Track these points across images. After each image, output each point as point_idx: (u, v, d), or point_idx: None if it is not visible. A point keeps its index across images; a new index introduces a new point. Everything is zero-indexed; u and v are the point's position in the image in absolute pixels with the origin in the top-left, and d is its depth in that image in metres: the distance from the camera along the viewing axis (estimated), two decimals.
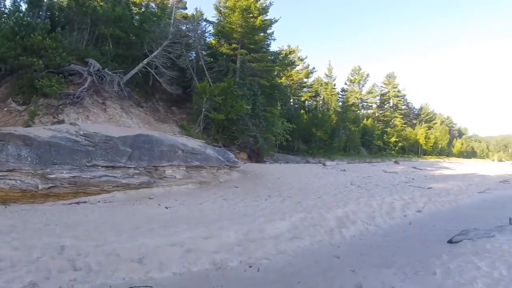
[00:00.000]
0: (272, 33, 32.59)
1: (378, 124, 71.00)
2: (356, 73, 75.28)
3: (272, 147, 31.78)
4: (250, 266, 6.33)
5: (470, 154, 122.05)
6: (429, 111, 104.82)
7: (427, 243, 7.91)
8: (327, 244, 7.87)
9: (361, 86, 76.23)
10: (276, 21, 31.49)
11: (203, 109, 22.76)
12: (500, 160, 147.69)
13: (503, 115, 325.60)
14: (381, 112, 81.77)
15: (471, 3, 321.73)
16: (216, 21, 31.06)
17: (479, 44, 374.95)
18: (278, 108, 35.29)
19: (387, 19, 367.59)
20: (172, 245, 6.53)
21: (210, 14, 39.60)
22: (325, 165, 27.07)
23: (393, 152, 64.34)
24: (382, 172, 25.16)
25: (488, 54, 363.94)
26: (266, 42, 32.87)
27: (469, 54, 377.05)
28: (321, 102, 59.54)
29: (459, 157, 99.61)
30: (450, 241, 7.72)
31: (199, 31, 28.48)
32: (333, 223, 9.15)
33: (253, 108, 26.26)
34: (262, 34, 31.55)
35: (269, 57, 33.07)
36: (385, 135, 66.01)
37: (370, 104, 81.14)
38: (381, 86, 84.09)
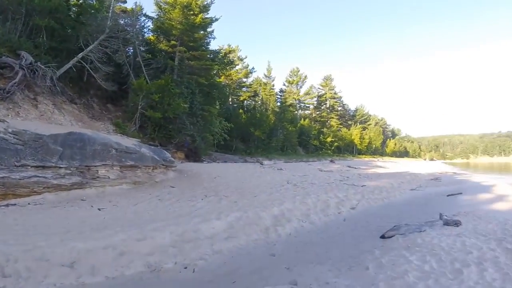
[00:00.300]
0: (212, 31, 32.69)
1: (315, 125, 73.67)
2: (295, 75, 77.43)
3: (210, 146, 31.85)
4: (185, 267, 6.28)
5: (403, 153, 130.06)
6: (364, 113, 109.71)
7: (360, 239, 8.10)
8: (263, 243, 7.91)
9: (299, 87, 78.67)
10: (216, 19, 31.63)
11: (139, 107, 22.54)
12: (432, 159, 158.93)
13: (435, 117, 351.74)
14: (318, 113, 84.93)
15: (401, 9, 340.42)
16: (155, 17, 30.59)
17: (414, 50, 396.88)
18: (217, 107, 35.32)
19: (326, 21, 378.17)
20: (104, 248, 6.33)
21: (150, 9, 39.19)
22: (262, 164, 27.65)
23: (329, 151, 67.00)
24: (318, 171, 25.88)
25: (421, 59, 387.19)
26: (205, 40, 32.84)
27: (403, 58, 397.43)
28: (259, 102, 60.53)
29: (392, 156, 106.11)
30: (382, 237, 7.95)
31: (137, 26, 28.11)
32: (269, 221, 9.20)
33: (190, 106, 26.24)
34: (202, 32, 31.50)
35: (208, 56, 33.04)
36: (321, 135, 68.58)
37: (307, 105, 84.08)
38: (319, 88, 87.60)
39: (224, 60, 40.15)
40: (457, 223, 8.68)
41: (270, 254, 7.11)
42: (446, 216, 9.39)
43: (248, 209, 9.89)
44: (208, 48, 33.86)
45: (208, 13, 31.33)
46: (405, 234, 7.80)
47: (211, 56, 34.20)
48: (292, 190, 14.70)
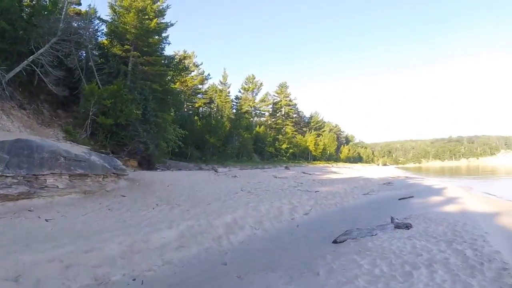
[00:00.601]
0: (167, 36, 32.63)
1: (270, 132, 74.44)
2: (250, 82, 78.13)
3: (164, 154, 31.46)
4: (134, 279, 6.15)
5: (356, 159, 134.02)
6: (318, 120, 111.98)
7: (313, 245, 8.24)
8: (215, 252, 7.84)
9: (254, 94, 79.58)
10: (172, 24, 31.75)
11: (91, 113, 22.04)
12: (385, 164, 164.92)
13: (387, 124, 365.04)
14: (273, 120, 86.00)
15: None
16: (110, 20, 30.07)
17: (367, 59, 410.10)
18: (171, 114, 35.08)
19: (283, 28, 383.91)
20: (50, 260, 6.11)
21: (105, 12, 38.35)
22: (217, 172, 27.68)
23: (284, 158, 67.82)
24: (273, 178, 26.16)
25: (373, 68, 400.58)
26: (160, 46, 32.70)
27: (358, 67, 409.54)
28: (215, 109, 60.60)
29: (346, 162, 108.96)
30: (334, 241, 8.14)
31: (91, 29, 27.47)
32: (221, 229, 9.20)
33: (144, 113, 25.95)
34: (157, 37, 31.42)
35: (163, 61, 32.97)
36: (277, 142, 69.28)
37: (263, 112, 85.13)
38: (274, 95, 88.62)
39: (179, 66, 40.03)
40: (408, 226, 9.09)
41: (222, 263, 7.12)
42: (397, 219, 9.79)
43: (201, 218, 9.89)
44: (163, 53, 33.75)
45: (164, 18, 31.48)
46: (357, 239, 8.04)
47: (166, 62, 34.14)
48: (245, 197, 14.82)
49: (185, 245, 7.93)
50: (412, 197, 17.46)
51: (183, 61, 44.97)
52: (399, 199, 16.89)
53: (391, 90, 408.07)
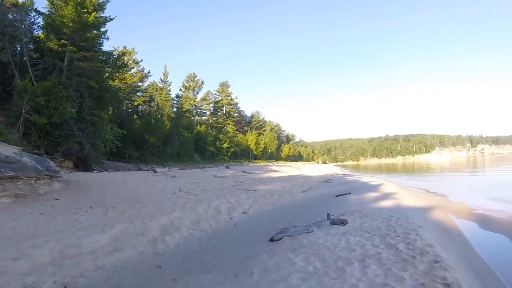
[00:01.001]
0: (106, 31, 31.79)
1: (211, 131, 74.33)
2: (191, 80, 77.60)
3: (101, 154, 30.51)
4: (65, 286, 5.93)
5: (297, 157, 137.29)
6: (260, 119, 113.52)
7: (250, 244, 8.21)
8: (150, 254, 7.70)
9: (195, 93, 79.14)
10: (111, 19, 31.08)
11: (24, 111, 21.12)
12: (324, 162, 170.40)
13: (327, 123, 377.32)
14: (214, 119, 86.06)
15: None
16: (47, 13, 28.77)
17: (305, 57, 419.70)
18: (109, 112, 34.24)
19: (226, 25, 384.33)
20: None
21: (42, 4, 36.55)
22: (155, 172, 27.42)
23: (225, 157, 68.21)
24: (212, 177, 26.21)
25: (311, 67, 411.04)
26: (98, 41, 31.85)
27: (298, 67, 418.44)
28: (155, 108, 59.34)
29: (287, 160, 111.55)
30: (271, 240, 8.13)
31: (27, 22, 26.29)
32: (157, 231, 9.02)
33: (79, 111, 25.28)
34: (95, 31, 30.62)
35: (101, 57, 32.23)
36: (218, 141, 69.47)
37: (204, 111, 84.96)
38: (215, 94, 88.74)
39: (118, 62, 39.09)
40: (343, 222, 9.19)
41: (157, 266, 7.00)
42: (333, 216, 9.92)
43: (136, 220, 9.62)
44: (101, 49, 32.95)
45: (103, 12, 30.82)
46: (293, 236, 8.08)
47: (104, 58, 33.42)
48: (183, 197, 14.72)
49: (119, 248, 7.70)
50: (350, 193, 17.86)
51: (122, 57, 43.62)
52: (337, 196, 17.26)
53: (330, 90, 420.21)
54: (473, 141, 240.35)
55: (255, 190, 17.76)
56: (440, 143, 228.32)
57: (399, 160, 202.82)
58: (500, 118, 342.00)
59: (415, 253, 6.24)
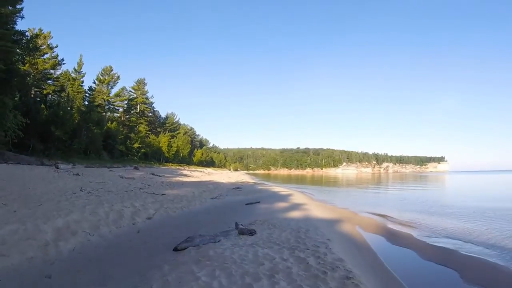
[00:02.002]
0: (22, 9, 29.77)
1: (122, 129, 72.48)
2: (107, 73, 74.94)
3: (1, 144, 28.72)
4: None
5: (209, 163, 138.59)
6: (174, 121, 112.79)
7: (153, 253, 7.84)
8: (39, 261, 6.88)
9: (110, 87, 76.44)
10: None
11: None
12: (236, 170, 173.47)
13: (240, 131, 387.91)
14: (127, 116, 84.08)
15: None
16: None
17: (223, 60, 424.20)
18: (16, 98, 32.03)
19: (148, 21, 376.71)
20: None
21: None
22: (58, 168, 26.45)
23: (135, 158, 67.04)
24: (119, 178, 25.84)
25: (226, 73, 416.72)
26: (12, 18, 29.53)
27: (217, 73, 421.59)
28: (65, 99, 56.21)
29: (199, 165, 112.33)
30: (175, 249, 7.79)
31: None
32: (50, 235, 8.15)
33: None
34: (10, 8, 28.49)
35: (12, 37, 29.95)
36: (128, 141, 68.07)
37: (117, 108, 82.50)
38: (130, 91, 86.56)
39: (30, 44, 36.68)
40: (252, 232, 9.16)
41: (46, 276, 6.25)
42: (241, 225, 9.89)
43: (28, 221, 8.59)
44: (14, 27, 30.69)
45: None
46: (199, 246, 7.83)
47: (15, 38, 31.14)
48: (84, 198, 13.86)
49: (5, 253, 6.80)
50: (259, 202, 18.56)
51: (35, 39, 40.99)
52: (246, 204, 17.73)
53: (247, 99, 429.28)
54: (379, 159, 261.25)
55: (162, 194, 17.51)
56: (347, 158, 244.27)
57: (308, 172, 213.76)
58: (404, 140, 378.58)
59: (326, 268, 6.26)
